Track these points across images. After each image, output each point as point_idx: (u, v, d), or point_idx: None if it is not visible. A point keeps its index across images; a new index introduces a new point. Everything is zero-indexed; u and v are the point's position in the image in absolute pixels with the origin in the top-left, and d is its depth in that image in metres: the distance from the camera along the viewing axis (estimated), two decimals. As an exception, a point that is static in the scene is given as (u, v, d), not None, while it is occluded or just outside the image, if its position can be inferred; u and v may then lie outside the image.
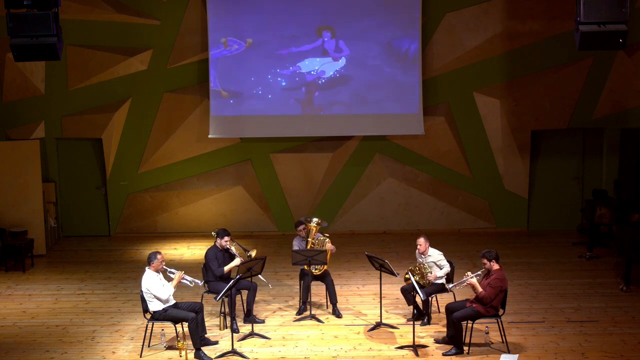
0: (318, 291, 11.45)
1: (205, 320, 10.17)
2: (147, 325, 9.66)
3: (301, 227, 11.00)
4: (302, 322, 10.58)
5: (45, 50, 9.88)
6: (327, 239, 10.89)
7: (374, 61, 14.86)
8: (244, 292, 10.62)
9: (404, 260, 12.83)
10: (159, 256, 9.62)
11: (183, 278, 9.72)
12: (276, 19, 14.76)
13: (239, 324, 10.36)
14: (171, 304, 9.65)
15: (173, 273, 9.76)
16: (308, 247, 10.83)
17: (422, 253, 10.36)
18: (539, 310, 10.88)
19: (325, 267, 10.79)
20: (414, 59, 14.79)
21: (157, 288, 9.50)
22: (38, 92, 15.17)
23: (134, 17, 14.93)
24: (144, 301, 9.60)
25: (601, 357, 9.29)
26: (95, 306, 11.43)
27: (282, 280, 12.49)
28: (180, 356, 9.43)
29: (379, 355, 9.46)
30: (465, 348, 9.41)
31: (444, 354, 9.41)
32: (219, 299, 9.64)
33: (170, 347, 9.73)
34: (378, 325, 10.34)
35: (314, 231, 10.88)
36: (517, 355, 9.22)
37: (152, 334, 9.82)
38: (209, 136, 15.11)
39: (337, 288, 11.17)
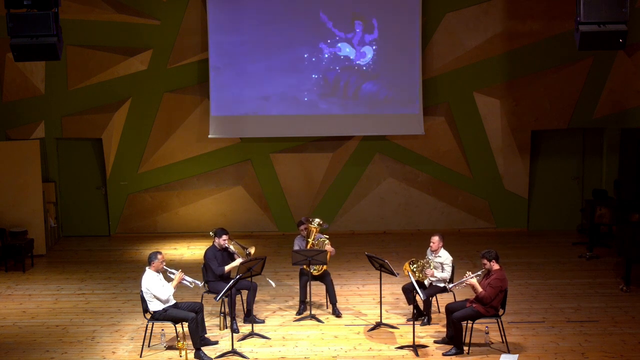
0: (318, 291, 11.45)
1: (205, 320, 10.17)
2: (147, 325, 9.66)
3: (302, 227, 11.01)
4: (302, 322, 10.59)
5: (45, 50, 9.88)
6: (327, 241, 10.90)
7: (373, 61, 14.86)
8: (244, 292, 10.63)
9: (404, 260, 12.68)
10: (159, 256, 9.62)
11: (183, 279, 9.72)
12: (276, 19, 14.76)
13: (239, 324, 10.36)
14: (171, 304, 9.65)
15: (173, 273, 9.76)
16: (308, 247, 10.83)
17: (434, 251, 10.36)
18: (539, 310, 10.89)
19: (325, 267, 10.79)
20: (414, 59, 14.79)
21: (157, 288, 9.50)
22: (38, 92, 15.17)
23: (134, 17, 14.93)
24: (144, 301, 9.60)
25: (601, 357, 9.29)
26: (95, 306, 11.43)
27: (282, 280, 12.49)
28: (180, 356, 9.43)
29: (379, 355, 9.46)
30: (465, 348, 9.41)
31: (444, 354, 9.41)
32: (219, 299, 9.64)
33: (170, 347, 9.73)
34: (378, 325, 10.34)
35: (314, 232, 10.88)
36: (517, 355, 9.22)
37: (152, 334, 9.82)
38: (209, 136, 15.11)
39: (337, 288, 11.18)
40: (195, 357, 9.43)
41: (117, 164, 15.39)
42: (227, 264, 10.48)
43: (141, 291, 9.59)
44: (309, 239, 10.89)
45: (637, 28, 13.94)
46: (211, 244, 10.68)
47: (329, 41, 14.79)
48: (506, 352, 9.34)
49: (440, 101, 15.22)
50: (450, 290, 10.17)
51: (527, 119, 15.22)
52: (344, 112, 15.03)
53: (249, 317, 10.40)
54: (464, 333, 9.42)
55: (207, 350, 9.54)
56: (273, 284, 10.95)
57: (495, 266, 9.42)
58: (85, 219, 15.63)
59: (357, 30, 14.79)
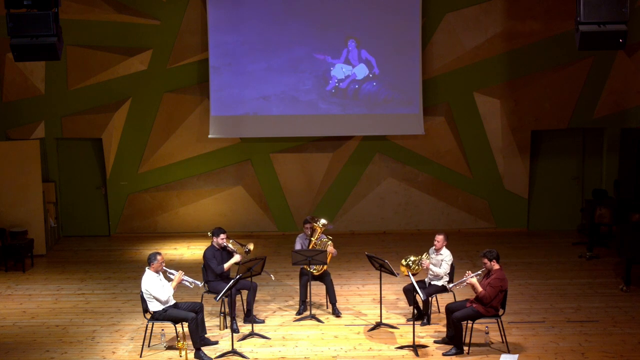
0: (318, 291, 11.45)
1: (205, 320, 10.17)
2: (147, 325, 9.66)
3: (308, 226, 11.01)
4: (302, 322, 10.58)
5: (45, 50, 9.88)
6: (330, 242, 10.89)
7: (373, 61, 14.86)
8: (244, 292, 10.63)
9: (404, 260, 12.82)
10: (159, 257, 9.61)
11: (183, 279, 9.72)
12: (276, 20, 14.77)
13: (239, 324, 10.36)
14: (171, 304, 9.65)
15: (173, 274, 9.76)
16: (310, 246, 10.83)
17: (437, 250, 10.37)
18: (539, 310, 10.88)
19: (325, 267, 10.79)
20: (414, 59, 14.80)
21: (156, 289, 9.50)
22: (38, 92, 15.17)
23: (134, 17, 14.93)
24: (144, 301, 9.60)
25: (601, 357, 9.28)
26: (95, 306, 11.43)
27: (282, 280, 12.49)
28: (180, 356, 9.43)
29: (379, 355, 9.46)
30: (465, 348, 9.41)
31: (444, 354, 9.41)
32: (219, 299, 9.64)
33: (170, 347, 9.73)
34: (378, 325, 10.34)
35: (318, 232, 10.89)
36: (517, 355, 9.22)
37: (152, 334, 9.82)
38: (209, 136, 15.11)
39: (337, 288, 11.18)
40: (195, 357, 9.42)
41: (117, 164, 15.39)
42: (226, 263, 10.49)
43: (141, 291, 9.59)
44: (312, 238, 10.89)
45: (637, 28, 13.95)
46: (210, 244, 10.69)
47: (329, 41, 14.79)
48: (506, 352, 9.34)
49: (440, 101, 15.22)
50: (451, 290, 10.18)
51: (527, 119, 15.23)
52: (344, 112, 15.02)
53: (249, 317, 10.40)
54: (464, 333, 9.42)
55: (207, 350, 9.54)
56: (272, 277, 10.96)
57: (496, 266, 9.42)
58: (85, 219, 15.63)
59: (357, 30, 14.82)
